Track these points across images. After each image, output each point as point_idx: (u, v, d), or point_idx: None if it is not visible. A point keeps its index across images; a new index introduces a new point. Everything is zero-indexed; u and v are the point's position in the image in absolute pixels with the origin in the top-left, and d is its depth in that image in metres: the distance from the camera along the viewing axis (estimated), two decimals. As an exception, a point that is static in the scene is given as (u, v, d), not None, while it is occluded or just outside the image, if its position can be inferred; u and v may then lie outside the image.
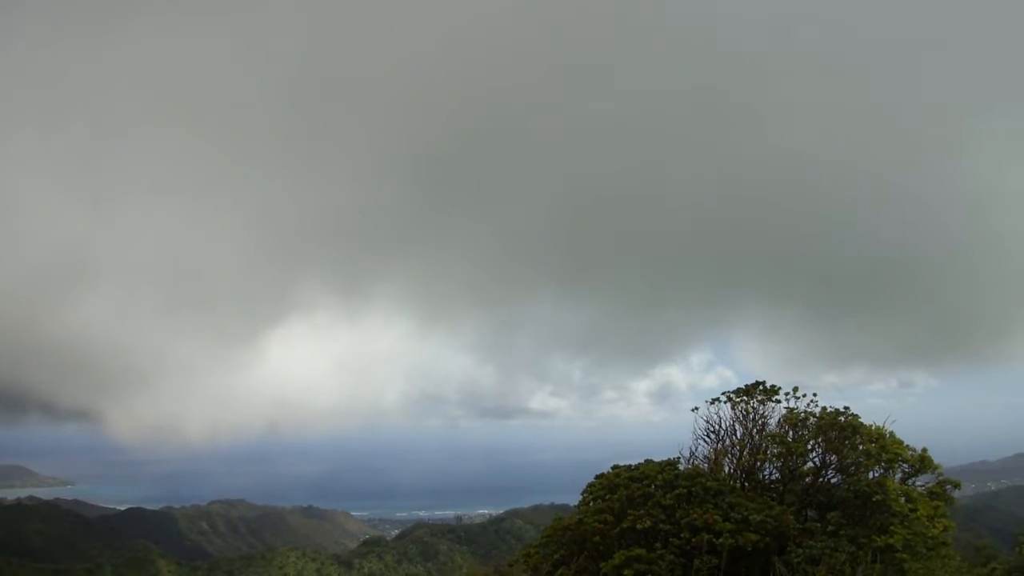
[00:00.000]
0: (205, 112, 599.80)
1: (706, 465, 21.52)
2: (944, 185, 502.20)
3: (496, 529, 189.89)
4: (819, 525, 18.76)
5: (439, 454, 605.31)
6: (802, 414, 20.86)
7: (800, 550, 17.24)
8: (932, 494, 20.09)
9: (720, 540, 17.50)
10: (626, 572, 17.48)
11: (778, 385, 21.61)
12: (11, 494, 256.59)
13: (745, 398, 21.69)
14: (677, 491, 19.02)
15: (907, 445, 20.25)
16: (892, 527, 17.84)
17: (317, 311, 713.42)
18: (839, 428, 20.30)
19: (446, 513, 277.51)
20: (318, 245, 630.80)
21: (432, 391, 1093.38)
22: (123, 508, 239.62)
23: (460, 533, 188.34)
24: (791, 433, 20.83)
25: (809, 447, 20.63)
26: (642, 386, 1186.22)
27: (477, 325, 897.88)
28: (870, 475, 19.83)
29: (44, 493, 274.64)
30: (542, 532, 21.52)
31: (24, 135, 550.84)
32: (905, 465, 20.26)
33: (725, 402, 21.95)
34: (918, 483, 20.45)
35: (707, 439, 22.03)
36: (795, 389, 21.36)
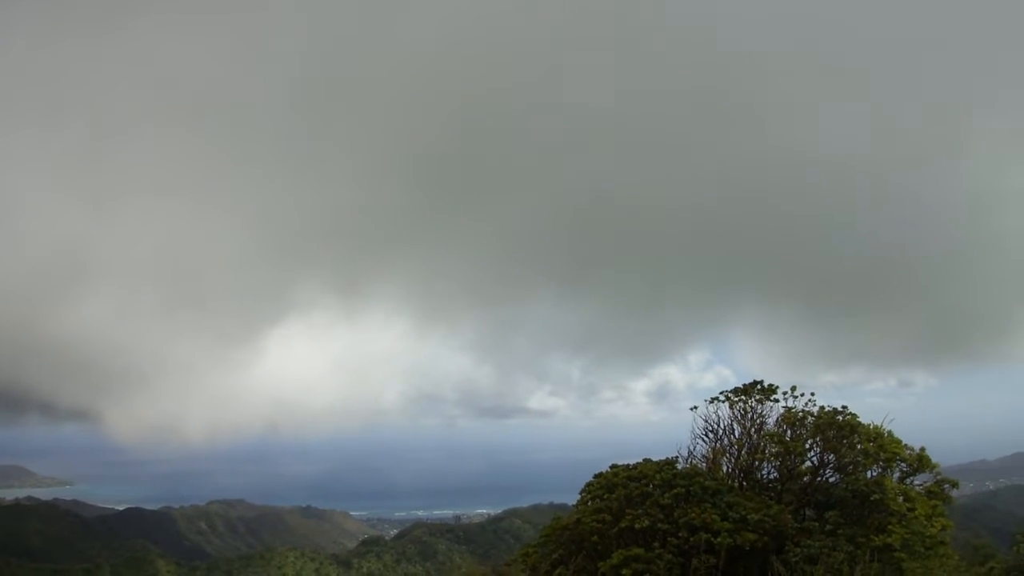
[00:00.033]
0: (205, 112, 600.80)
1: (704, 464, 21.51)
2: (943, 185, 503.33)
3: (495, 529, 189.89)
4: (817, 524, 18.76)
5: (438, 454, 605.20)
6: (800, 413, 20.86)
7: (798, 549, 17.24)
8: (930, 493, 20.08)
9: (718, 539, 17.50)
10: (624, 572, 17.47)
11: (776, 384, 21.63)
12: (10, 494, 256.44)
13: (743, 397, 21.68)
14: (675, 490, 19.01)
15: (905, 444, 20.24)
16: (890, 526, 17.84)
17: (316, 311, 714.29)
18: (837, 427, 20.29)
19: (445, 513, 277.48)
20: (318, 245, 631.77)
21: (430, 391, 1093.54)
22: (122, 508, 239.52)
23: (459, 533, 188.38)
24: (789, 432, 20.82)
25: (807, 446, 20.63)
26: (640, 385, 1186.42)
27: (476, 325, 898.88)
28: (868, 474, 19.83)
29: (43, 493, 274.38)
30: (540, 532, 21.51)
31: (24, 135, 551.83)
32: (903, 464, 20.25)
33: (723, 401, 21.94)
34: (916, 482, 20.43)
35: (705, 438, 22.04)
36: (793, 388, 21.37)
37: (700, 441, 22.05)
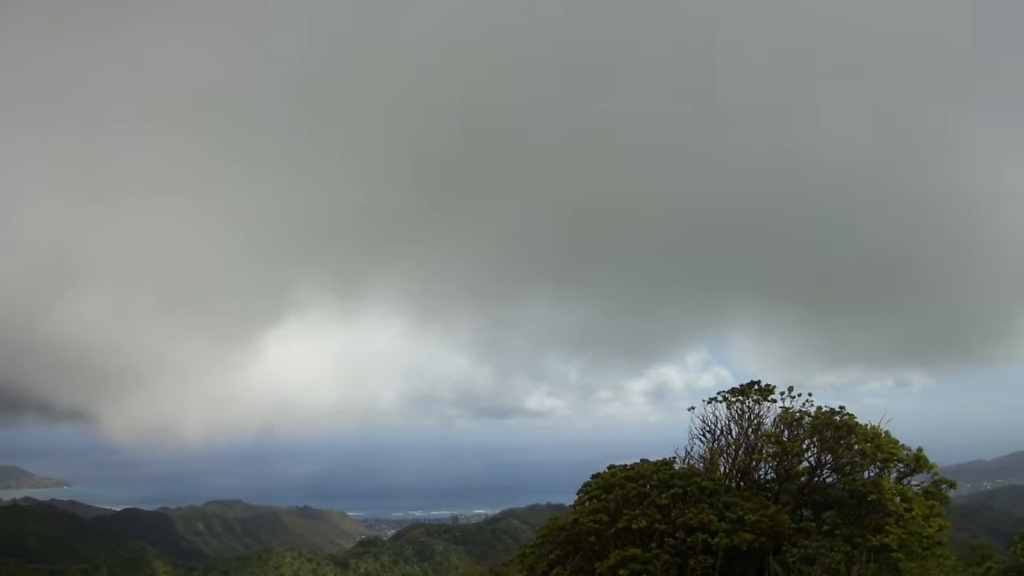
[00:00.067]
0: (205, 112, 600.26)
1: (702, 465, 21.51)
2: (941, 185, 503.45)
3: (492, 529, 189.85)
4: (814, 525, 18.77)
5: (435, 454, 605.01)
6: (797, 414, 20.86)
7: (795, 550, 17.23)
8: (927, 493, 20.08)
9: (715, 540, 17.49)
10: (621, 572, 17.46)
11: (773, 385, 21.63)
12: (7, 495, 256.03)
13: (741, 398, 21.68)
14: (672, 491, 19.00)
15: (902, 445, 20.24)
16: (887, 527, 17.83)
17: (314, 311, 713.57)
18: (834, 428, 20.30)
19: (442, 513, 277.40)
20: (317, 245, 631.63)
21: (428, 391, 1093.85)
22: (119, 509, 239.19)
23: (456, 533, 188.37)
24: (786, 433, 20.83)
25: (804, 447, 20.63)
26: (638, 386, 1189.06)
27: (473, 325, 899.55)
28: (865, 475, 19.84)
29: (40, 494, 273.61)
30: (538, 532, 21.49)
31: (23, 135, 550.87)
32: (900, 465, 20.25)
33: (721, 402, 21.94)
34: (913, 483, 20.43)
35: (703, 439, 22.04)
36: (790, 389, 21.37)
37: (697, 441, 22.07)
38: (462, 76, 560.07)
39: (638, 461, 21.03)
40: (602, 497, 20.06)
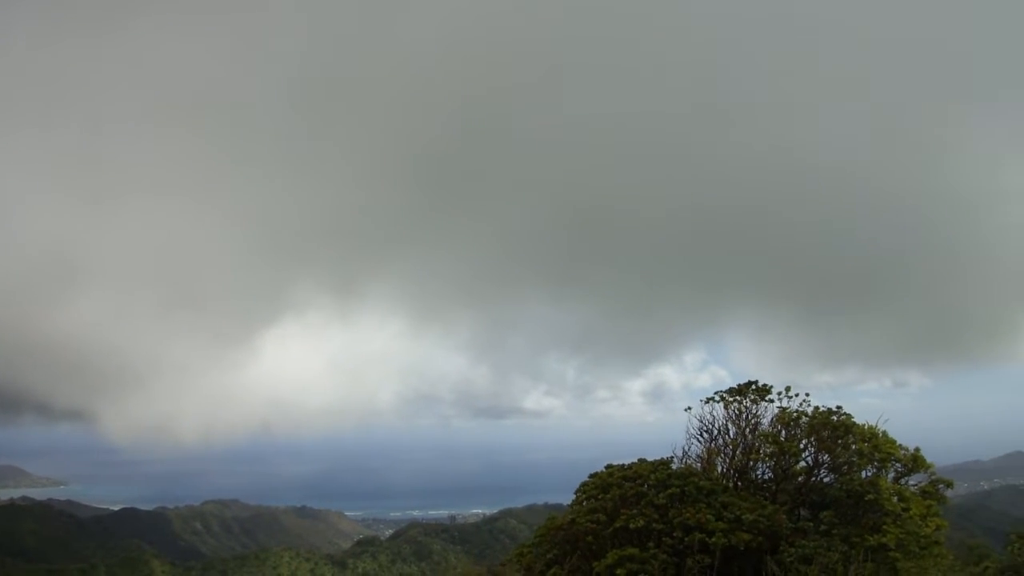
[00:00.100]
0: (205, 112, 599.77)
1: (699, 464, 21.50)
2: (939, 185, 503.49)
3: (490, 529, 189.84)
4: (812, 524, 18.78)
5: (433, 454, 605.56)
6: (795, 414, 20.86)
7: (793, 549, 17.24)
8: (925, 493, 20.08)
9: (713, 539, 17.50)
10: (619, 571, 17.46)
11: (771, 385, 21.63)
12: (4, 494, 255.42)
13: (738, 398, 21.68)
14: (670, 490, 19.00)
15: (900, 444, 20.25)
16: (885, 526, 17.84)
17: (312, 311, 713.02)
18: (832, 428, 20.31)
19: (440, 513, 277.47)
20: (316, 245, 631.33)
21: (426, 391, 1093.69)
22: (117, 508, 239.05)
23: (454, 533, 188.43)
24: (784, 433, 20.83)
25: (802, 446, 20.63)
26: (636, 386, 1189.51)
27: (471, 324, 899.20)
28: (863, 474, 19.85)
29: (37, 493, 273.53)
30: (535, 532, 21.49)
31: (23, 135, 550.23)
32: (898, 464, 20.26)
33: (718, 401, 21.94)
34: (911, 482, 20.44)
35: (700, 438, 22.03)
36: (787, 389, 21.36)
37: (695, 441, 22.06)
38: (462, 76, 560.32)
39: (636, 461, 21.04)
40: (600, 497, 20.06)
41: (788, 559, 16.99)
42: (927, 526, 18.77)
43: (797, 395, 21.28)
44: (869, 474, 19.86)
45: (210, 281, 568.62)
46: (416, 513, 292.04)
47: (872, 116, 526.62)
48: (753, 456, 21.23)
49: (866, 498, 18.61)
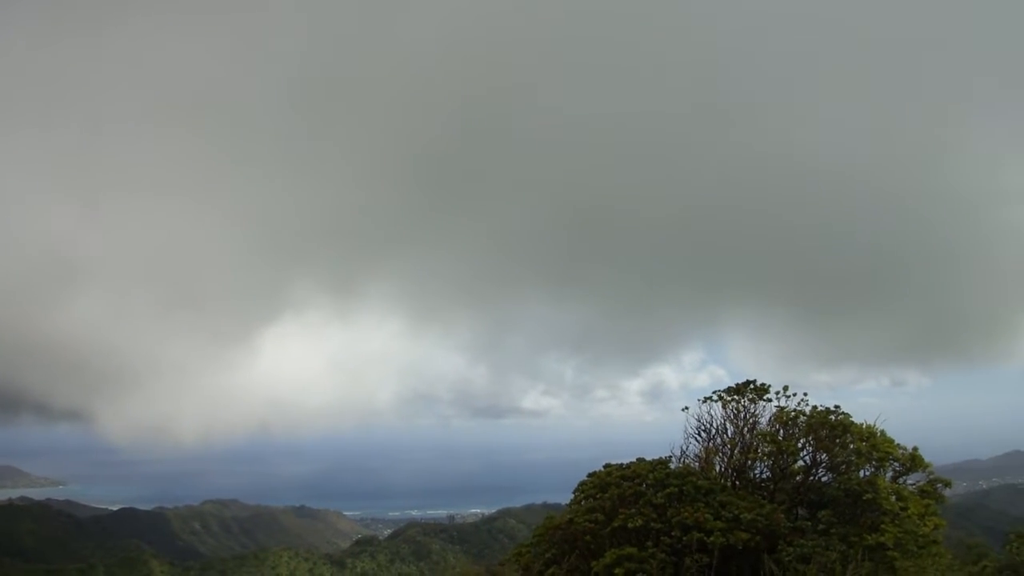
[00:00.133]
0: (205, 112, 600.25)
1: (697, 464, 21.48)
2: (938, 185, 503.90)
3: (488, 528, 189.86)
4: (810, 523, 18.75)
5: (432, 454, 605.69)
6: (792, 413, 20.83)
7: (791, 548, 17.22)
8: (923, 492, 20.06)
9: (711, 539, 17.48)
10: (617, 571, 17.45)
11: (769, 384, 21.60)
12: (3, 494, 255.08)
13: (736, 397, 21.65)
14: (668, 490, 18.98)
15: (898, 444, 20.22)
16: (883, 525, 17.82)
17: (311, 310, 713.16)
18: (830, 427, 20.28)
19: (438, 512, 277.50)
20: (316, 245, 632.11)
21: (425, 391, 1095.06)
22: (115, 508, 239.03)
23: (452, 532, 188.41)
24: (782, 432, 20.81)
25: (800, 446, 20.60)
26: (634, 385, 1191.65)
27: (470, 324, 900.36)
28: (861, 474, 19.82)
29: (36, 493, 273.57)
30: (534, 531, 21.47)
31: (23, 134, 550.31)
32: (896, 464, 20.22)
33: (716, 401, 21.91)
34: (909, 481, 20.40)
35: (698, 438, 21.99)
36: (785, 388, 21.32)
37: (693, 440, 22.02)
38: (462, 76, 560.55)
39: (634, 460, 21.01)
40: (598, 496, 20.04)
41: (786, 558, 16.98)
42: (925, 525, 18.75)
43: (795, 394, 21.26)
44: (867, 473, 19.83)
45: (209, 281, 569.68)
46: (415, 513, 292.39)
47: (872, 116, 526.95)
48: (751, 455, 21.20)
49: (864, 497, 18.59)
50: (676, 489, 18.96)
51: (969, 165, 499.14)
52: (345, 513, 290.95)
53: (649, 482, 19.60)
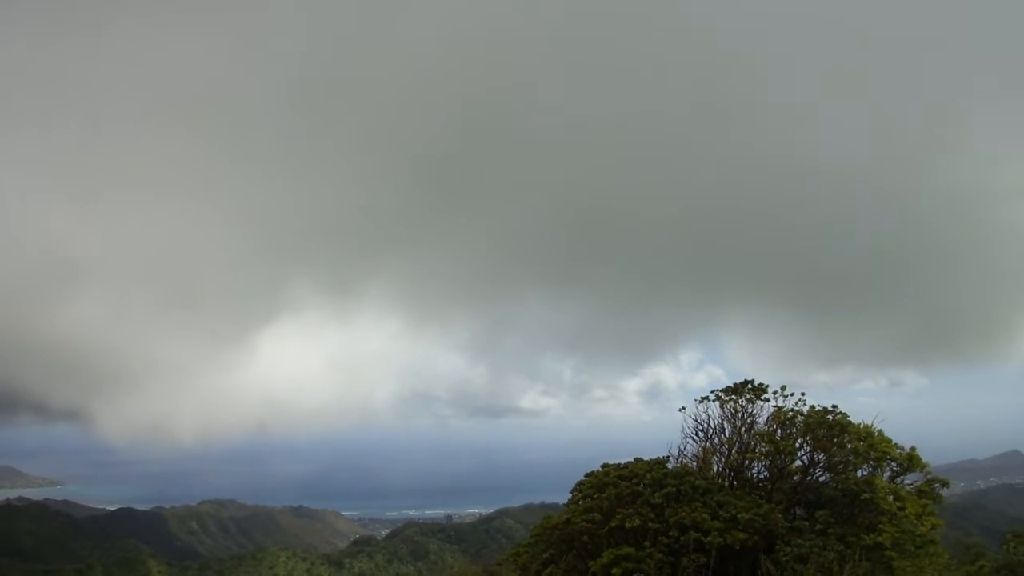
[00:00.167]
0: (205, 112, 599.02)
1: (695, 464, 21.49)
2: (937, 185, 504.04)
3: (486, 528, 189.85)
4: (807, 523, 18.76)
5: (430, 453, 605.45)
6: (790, 413, 20.84)
7: (788, 548, 17.23)
8: (920, 492, 20.08)
9: (708, 538, 17.48)
10: (615, 571, 17.45)
11: (766, 384, 21.60)
12: (0, 495, 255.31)
13: (734, 397, 21.65)
14: (666, 490, 18.98)
15: (895, 444, 20.23)
16: (880, 525, 17.83)
17: (309, 310, 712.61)
18: (827, 427, 20.28)
19: (436, 512, 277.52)
20: (316, 245, 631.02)
21: (423, 390, 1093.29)
22: (113, 508, 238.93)
23: (450, 532, 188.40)
24: (779, 432, 20.81)
25: (797, 445, 20.61)
26: (632, 385, 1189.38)
27: (469, 324, 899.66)
28: (858, 473, 19.83)
29: (34, 493, 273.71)
30: (531, 531, 21.49)
31: (22, 134, 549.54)
32: (893, 463, 20.23)
33: (714, 401, 21.91)
34: (906, 481, 20.43)
35: (696, 438, 22.00)
36: (783, 388, 21.34)
37: (690, 440, 22.03)
38: (462, 76, 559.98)
39: (632, 460, 21.02)
40: (595, 496, 20.04)
41: (784, 558, 16.99)
42: (923, 525, 18.77)
43: (793, 394, 21.28)
44: (865, 473, 19.83)
45: (208, 281, 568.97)
46: (413, 513, 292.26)
47: (872, 116, 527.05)
48: (749, 455, 21.21)
49: (862, 497, 18.60)
50: (674, 489, 18.97)
51: (969, 164, 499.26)
52: (343, 513, 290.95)
53: (647, 482, 19.60)
